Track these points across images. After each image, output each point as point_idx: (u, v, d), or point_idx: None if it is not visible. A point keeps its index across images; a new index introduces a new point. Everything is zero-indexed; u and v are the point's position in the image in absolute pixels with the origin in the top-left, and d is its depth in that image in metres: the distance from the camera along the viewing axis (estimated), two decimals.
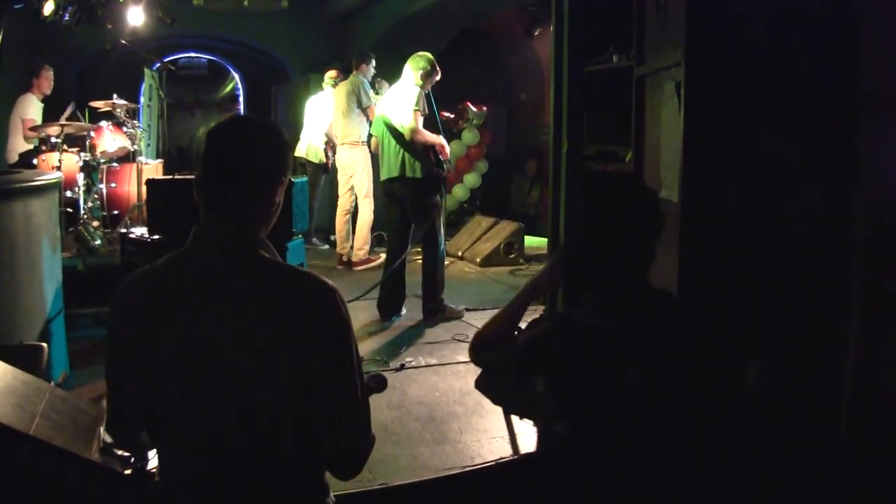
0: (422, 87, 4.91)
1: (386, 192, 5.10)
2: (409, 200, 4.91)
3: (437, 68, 5.02)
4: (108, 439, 1.97)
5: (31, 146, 6.48)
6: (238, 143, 1.47)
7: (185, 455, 1.43)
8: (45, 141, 6.29)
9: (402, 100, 4.90)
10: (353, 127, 6.66)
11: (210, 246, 1.43)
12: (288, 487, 1.43)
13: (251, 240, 1.44)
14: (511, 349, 1.85)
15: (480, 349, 1.92)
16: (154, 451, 2.07)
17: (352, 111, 6.66)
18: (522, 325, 1.92)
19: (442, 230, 5.02)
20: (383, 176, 5.04)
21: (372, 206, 6.59)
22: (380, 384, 1.74)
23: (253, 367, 1.36)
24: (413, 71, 4.95)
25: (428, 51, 5.25)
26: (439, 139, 4.95)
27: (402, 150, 4.86)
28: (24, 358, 2.53)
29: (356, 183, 6.69)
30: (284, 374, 1.37)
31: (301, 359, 1.37)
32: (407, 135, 4.80)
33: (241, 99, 12.78)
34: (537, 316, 4.71)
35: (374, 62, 6.92)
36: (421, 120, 4.86)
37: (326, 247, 7.62)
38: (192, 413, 1.40)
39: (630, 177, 3.06)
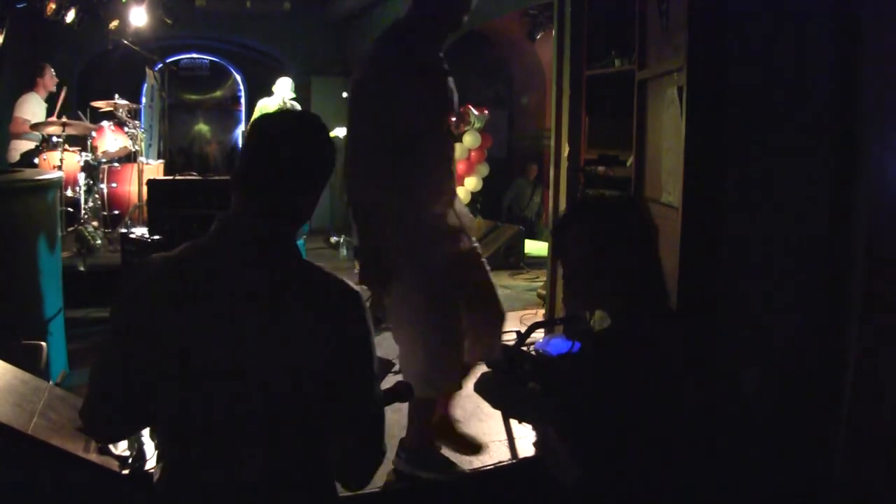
0: None
1: None
2: None
3: None
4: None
5: (32, 145, 6.48)
6: (297, 139, 1.44)
7: (196, 452, 1.37)
8: (46, 140, 6.30)
9: None
10: None
11: (242, 237, 1.38)
12: (301, 489, 1.40)
13: (287, 236, 1.43)
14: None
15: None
16: (150, 449, 2.07)
17: None
18: (522, 329, 1.91)
19: None
20: None
21: None
22: (408, 391, 1.72)
23: (276, 364, 1.33)
24: None
25: None
26: None
27: None
28: (24, 357, 2.52)
29: None
30: (306, 374, 1.35)
31: (324, 360, 1.35)
32: None
33: (242, 100, 12.78)
34: (539, 319, 4.72)
35: None
36: None
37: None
38: (205, 408, 1.34)
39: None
